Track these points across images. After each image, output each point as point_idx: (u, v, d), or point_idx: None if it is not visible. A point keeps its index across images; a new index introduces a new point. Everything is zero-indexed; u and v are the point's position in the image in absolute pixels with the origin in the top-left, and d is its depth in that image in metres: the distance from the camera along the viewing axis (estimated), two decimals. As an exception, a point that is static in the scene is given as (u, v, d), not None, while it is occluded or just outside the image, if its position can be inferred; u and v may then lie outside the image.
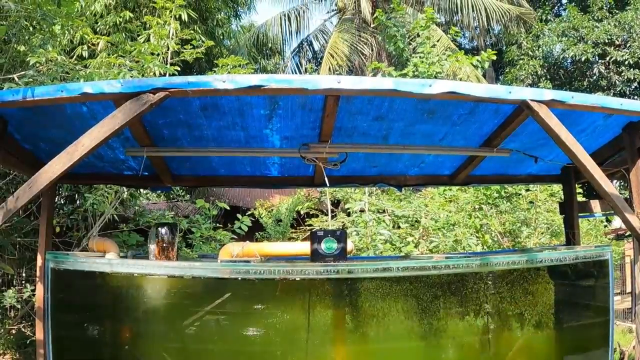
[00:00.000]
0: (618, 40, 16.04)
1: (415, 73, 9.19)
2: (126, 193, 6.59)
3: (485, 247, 8.15)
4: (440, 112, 3.26)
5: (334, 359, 3.37)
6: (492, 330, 3.66)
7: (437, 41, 13.54)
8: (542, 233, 9.00)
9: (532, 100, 2.85)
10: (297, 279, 3.22)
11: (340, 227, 8.39)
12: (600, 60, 16.49)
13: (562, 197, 8.71)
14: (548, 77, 17.23)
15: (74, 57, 6.66)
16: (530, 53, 17.58)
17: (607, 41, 15.78)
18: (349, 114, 3.16)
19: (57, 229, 6.20)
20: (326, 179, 3.08)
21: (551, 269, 3.84)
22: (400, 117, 3.26)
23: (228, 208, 7.94)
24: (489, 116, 3.40)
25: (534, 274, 3.81)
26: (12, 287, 5.63)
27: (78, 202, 6.47)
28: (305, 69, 18.67)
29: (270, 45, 19.11)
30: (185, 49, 7.15)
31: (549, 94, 2.90)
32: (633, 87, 16.23)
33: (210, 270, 3.33)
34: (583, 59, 15.81)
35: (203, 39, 7.51)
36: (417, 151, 3.76)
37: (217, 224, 7.62)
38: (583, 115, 3.34)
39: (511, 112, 3.31)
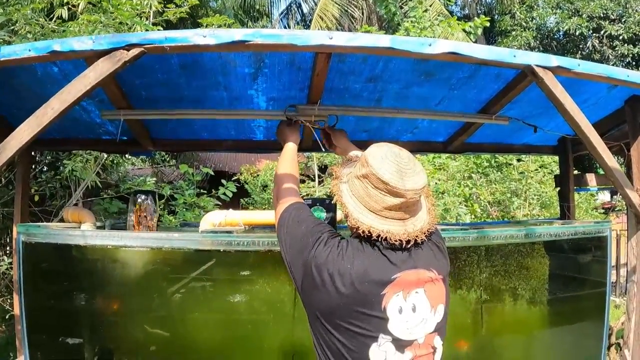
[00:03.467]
0: (613, 15, 15.91)
1: (407, 37, 8.97)
2: (107, 159, 6.39)
3: (474, 217, 8.08)
4: (438, 74, 3.06)
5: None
6: (485, 303, 3.57)
7: (430, 6, 13.27)
8: (532, 204, 8.95)
9: (537, 65, 2.65)
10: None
11: (329, 197, 8.25)
12: (594, 34, 16.37)
13: (553, 169, 8.73)
14: (541, 48, 17.10)
15: (54, 18, 6.37)
16: (523, 24, 17.39)
17: (602, 15, 15.64)
18: (341, 74, 2.95)
19: (37, 198, 6.02)
20: (320, 142, 2.89)
21: (546, 243, 3.79)
22: (396, 78, 3.06)
23: (212, 173, 7.77)
24: (490, 81, 3.22)
25: (530, 248, 3.74)
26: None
27: (60, 169, 6.27)
28: (294, 31, 18.39)
29: (257, 7, 18.82)
30: (167, 8, 6.88)
31: (556, 60, 2.71)
32: (626, 62, 16.15)
33: (190, 242, 3.14)
34: (577, 33, 15.67)
35: (187, -2, 7.23)
36: (412, 116, 3.56)
37: (202, 190, 7.46)
38: (586, 85, 3.17)
39: (513, 77, 3.14)
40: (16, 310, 3.59)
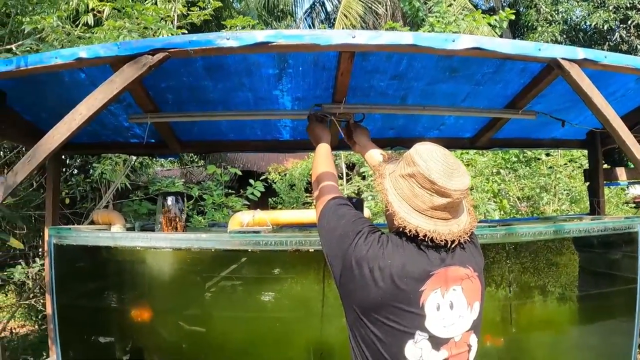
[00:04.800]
0: (640, 4, 15.60)
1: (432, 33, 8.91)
2: (135, 161, 6.48)
3: (503, 213, 8.00)
4: (463, 70, 3.03)
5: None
6: (513, 300, 3.53)
7: (454, 0, 13.14)
8: (561, 200, 8.82)
9: (563, 58, 2.61)
10: (310, 250, 3.06)
11: (357, 194, 8.24)
12: (621, 25, 16.06)
13: (583, 164, 8.59)
14: (568, 42, 16.81)
15: (80, 25, 6.48)
16: (549, 17, 17.10)
17: (629, 5, 15.31)
18: (365, 72, 2.94)
19: (67, 201, 6.13)
20: (341, 131, 2.88)
21: (576, 239, 3.72)
22: (420, 75, 3.04)
23: (240, 173, 7.82)
24: (515, 75, 3.17)
25: (559, 244, 3.68)
26: (20, 263, 5.57)
27: (90, 172, 6.38)
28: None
29: (281, 7, 18.82)
30: (191, 11, 6.93)
31: (582, 52, 2.67)
32: (655, 52, 15.83)
33: (218, 242, 3.16)
34: (605, 28, 15.39)
35: (210, 0, 7.28)
36: (438, 112, 3.54)
37: (230, 190, 7.51)
38: (614, 77, 3.11)
39: (539, 71, 3.08)
40: (48, 310, 3.67)
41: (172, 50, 2.47)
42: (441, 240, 1.77)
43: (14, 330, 7.32)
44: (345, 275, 1.84)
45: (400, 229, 1.80)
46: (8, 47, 4.61)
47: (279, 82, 3.05)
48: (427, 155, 1.79)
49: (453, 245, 1.81)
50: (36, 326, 7.39)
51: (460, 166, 1.82)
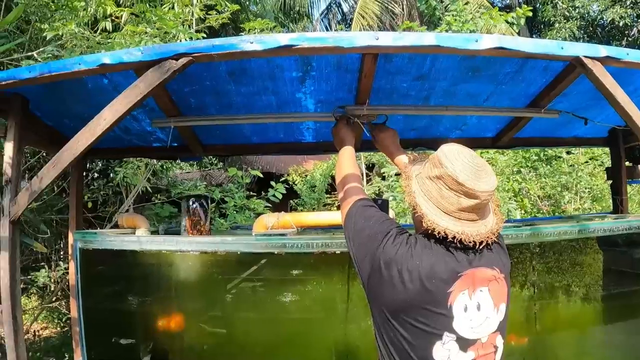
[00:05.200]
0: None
1: (449, 32, 8.87)
2: (157, 164, 6.52)
3: (524, 212, 7.94)
4: (485, 70, 3.01)
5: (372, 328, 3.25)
6: (537, 300, 3.52)
7: (470, -2, 13.09)
8: (583, 198, 8.73)
9: (585, 56, 2.58)
10: (336, 252, 3.06)
11: (380, 196, 8.22)
12: (638, 20, 15.90)
13: (604, 161, 8.50)
14: (586, 38, 16.68)
15: (99, 31, 6.54)
16: (566, 13, 16.97)
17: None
18: (388, 74, 2.93)
19: (90, 205, 6.19)
20: (367, 132, 2.88)
21: (599, 238, 3.70)
22: (443, 76, 3.03)
23: (261, 176, 7.86)
24: (537, 74, 3.15)
25: (582, 243, 3.66)
26: (45, 267, 5.63)
27: (111, 175, 6.44)
28: (336, 30, 18.40)
29: (297, 8, 18.86)
30: (209, 15, 6.97)
31: (604, 50, 2.63)
32: (674, 46, 15.65)
33: (244, 245, 3.18)
34: (622, 24, 15.23)
35: (227, 3, 7.31)
36: (460, 112, 3.53)
37: (251, 192, 7.55)
38: (636, 74, 3.06)
39: (561, 69, 3.06)
40: (73, 313, 3.71)
41: (196, 54, 2.48)
42: (469, 242, 1.77)
43: (36, 333, 7.41)
44: (373, 276, 1.85)
45: (429, 231, 1.80)
46: (29, 54, 4.66)
47: (302, 84, 3.05)
48: (454, 157, 1.79)
49: (481, 247, 1.81)
50: (58, 328, 7.48)
51: (486, 166, 1.82)
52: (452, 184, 1.76)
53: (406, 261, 1.78)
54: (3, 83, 2.68)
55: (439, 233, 1.77)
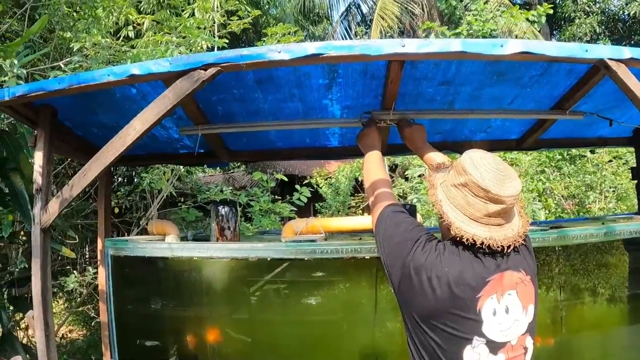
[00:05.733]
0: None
1: (470, 32, 8.84)
2: (183, 170, 6.60)
3: (548, 212, 7.89)
4: (510, 74, 3.02)
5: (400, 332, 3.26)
6: (563, 302, 3.51)
7: (490, -3, 13.00)
8: (607, 197, 8.64)
9: (610, 59, 2.57)
10: (366, 257, 3.09)
11: (401, 197, 8.22)
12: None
13: (628, 160, 8.40)
14: (607, 33, 16.49)
15: (120, 38, 6.64)
16: (586, 9, 16.80)
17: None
18: (413, 80, 2.96)
19: (116, 210, 6.27)
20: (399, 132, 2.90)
21: (626, 239, 3.65)
22: (468, 80, 3.04)
23: (286, 179, 7.91)
24: (562, 77, 3.14)
25: (608, 245, 3.63)
26: (74, 271, 5.71)
27: (135, 180, 6.52)
28: (355, 32, 18.40)
29: (317, 10, 18.88)
30: (231, 20, 7.03)
31: (628, 52, 2.62)
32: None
33: (275, 251, 3.22)
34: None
35: (248, 9, 7.37)
36: (485, 116, 3.53)
37: (275, 195, 7.60)
38: (658, 75, 3.06)
39: (586, 72, 3.05)
40: (103, 318, 3.77)
41: (225, 64, 2.52)
42: (497, 247, 1.79)
43: (63, 335, 7.52)
44: (403, 283, 1.88)
45: (457, 238, 1.83)
46: (54, 64, 4.74)
47: (328, 91, 3.08)
48: (478, 163, 1.82)
49: (508, 250, 1.83)
50: (84, 330, 7.58)
51: (510, 170, 1.84)
52: (477, 191, 1.79)
53: (435, 268, 1.81)
54: (33, 94, 2.74)
55: (467, 240, 1.79)
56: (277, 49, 2.47)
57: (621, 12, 16.45)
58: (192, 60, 2.57)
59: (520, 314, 1.87)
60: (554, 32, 19.87)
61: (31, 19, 4.88)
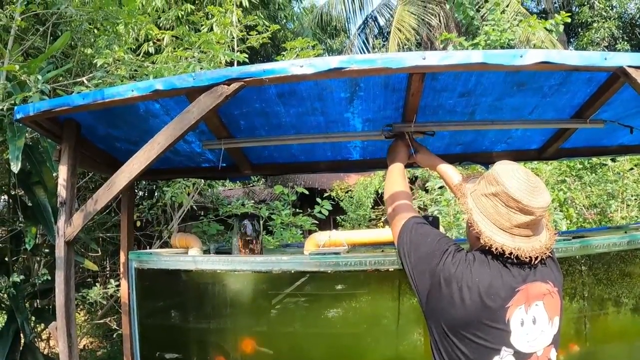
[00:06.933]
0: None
1: (488, 42, 8.83)
2: (204, 184, 6.65)
3: (569, 222, 7.82)
4: (530, 83, 3.02)
5: (423, 344, 3.24)
6: (586, 312, 3.49)
7: (507, 6, 12.99)
8: (630, 206, 8.54)
9: (629, 66, 2.57)
10: (389, 269, 3.09)
11: (421, 209, 8.20)
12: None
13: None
14: (625, 37, 16.38)
15: (141, 54, 6.73)
16: (603, 14, 16.71)
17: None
18: (434, 92, 2.97)
19: (138, 223, 6.33)
20: (412, 147, 2.92)
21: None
22: (489, 91, 3.05)
23: (307, 193, 7.94)
24: (581, 86, 3.14)
25: (631, 254, 3.59)
26: (97, 284, 5.78)
27: (156, 194, 6.58)
28: (373, 45, 18.45)
29: (334, 24, 18.98)
30: (250, 35, 7.10)
31: (647, 59, 2.63)
32: None
33: (299, 264, 3.24)
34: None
35: (267, 23, 7.44)
36: (506, 126, 3.52)
37: (296, 209, 7.63)
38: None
39: (605, 80, 3.04)
40: (125, 330, 3.81)
41: (248, 79, 2.57)
42: (525, 257, 1.81)
43: (85, 347, 7.59)
44: (432, 293, 1.89)
45: (486, 247, 1.84)
46: (77, 79, 4.81)
47: (350, 104, 3.10)
48: (510, 175, 1.84)
49: (536, 262, 1.84)
50: (105, 342, 7.65)
51: (540, 183, 1.86)
52: (508, 201, 1.80)
53: (466, 278, 1.82)
54: (58, 109, 2.80)
55: (496, 249, 1.81)
56: (300, 64, 2.50)
57: (638, 16, 16.33)
58: (215, 75, 2.62)
59: (546, 325, 1.87)
60: (571, 40, 19.79)
61: (53, 35, 4.97)
